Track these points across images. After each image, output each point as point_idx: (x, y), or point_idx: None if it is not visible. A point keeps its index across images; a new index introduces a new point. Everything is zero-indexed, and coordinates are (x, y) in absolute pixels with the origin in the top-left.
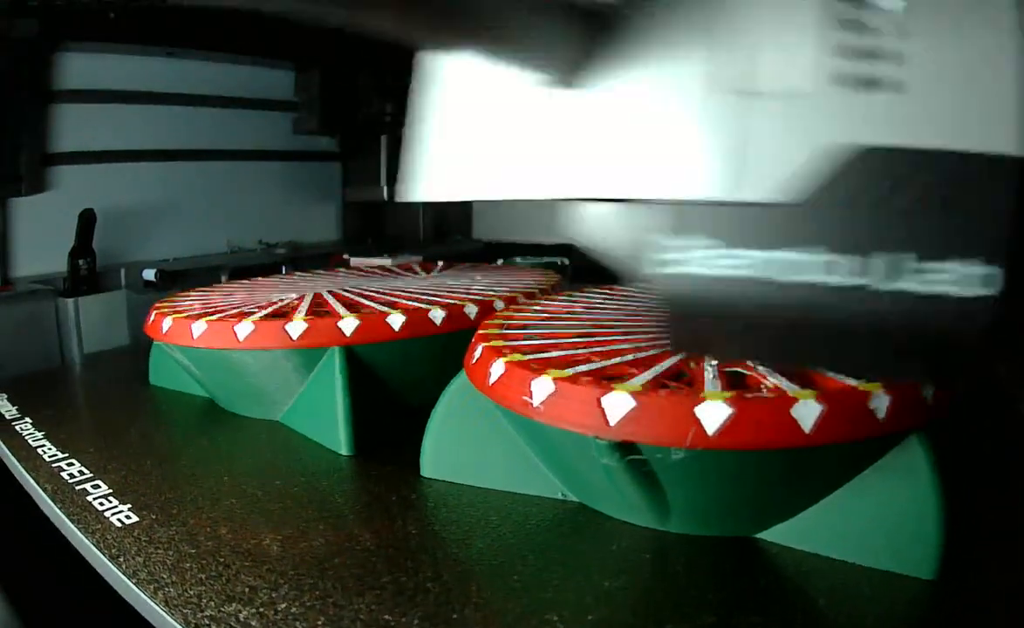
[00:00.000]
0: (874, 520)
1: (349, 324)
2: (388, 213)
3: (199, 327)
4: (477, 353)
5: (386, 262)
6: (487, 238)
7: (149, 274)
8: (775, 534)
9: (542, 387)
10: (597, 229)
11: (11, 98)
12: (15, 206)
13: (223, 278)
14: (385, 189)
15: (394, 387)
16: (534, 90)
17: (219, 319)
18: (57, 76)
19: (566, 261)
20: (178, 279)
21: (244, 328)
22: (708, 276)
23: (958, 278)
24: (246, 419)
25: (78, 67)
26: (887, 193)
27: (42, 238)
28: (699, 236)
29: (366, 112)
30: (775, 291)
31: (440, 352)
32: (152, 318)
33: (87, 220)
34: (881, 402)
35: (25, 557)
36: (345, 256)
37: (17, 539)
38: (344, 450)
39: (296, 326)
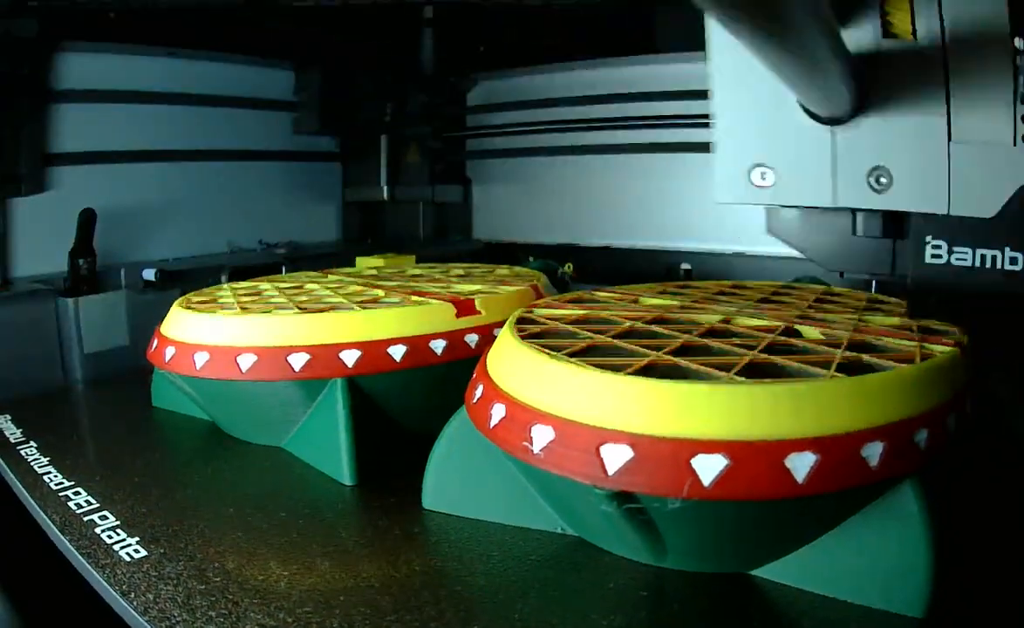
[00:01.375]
0: (866, 560)
1: (351, 355)
2: (388, 213)
3: (201, 357)
4: (478, 392)
5: (378, 263)
6: (487, 238)
7: (149, 274)
8: (769, 571)
9: (542, 434)
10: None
11: (11, 98)
12: (15, 206)
13: (223, 278)
14: (385, 189)
15: (397, 415)
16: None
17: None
18: (57, 76)
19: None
20: (178, 279)
21: (247, 359)
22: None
23: None
24: (249, 445)
25: (78, 67)
26: None
27: (42, 238)
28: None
29: (366, 112)
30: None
31: (442, 380)
32: (155, 345)
33: (87, 220)
34: (874, 450)
35: (27, 563)
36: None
37: (19, 545)
38: (347, 480)
39: (298, 357)
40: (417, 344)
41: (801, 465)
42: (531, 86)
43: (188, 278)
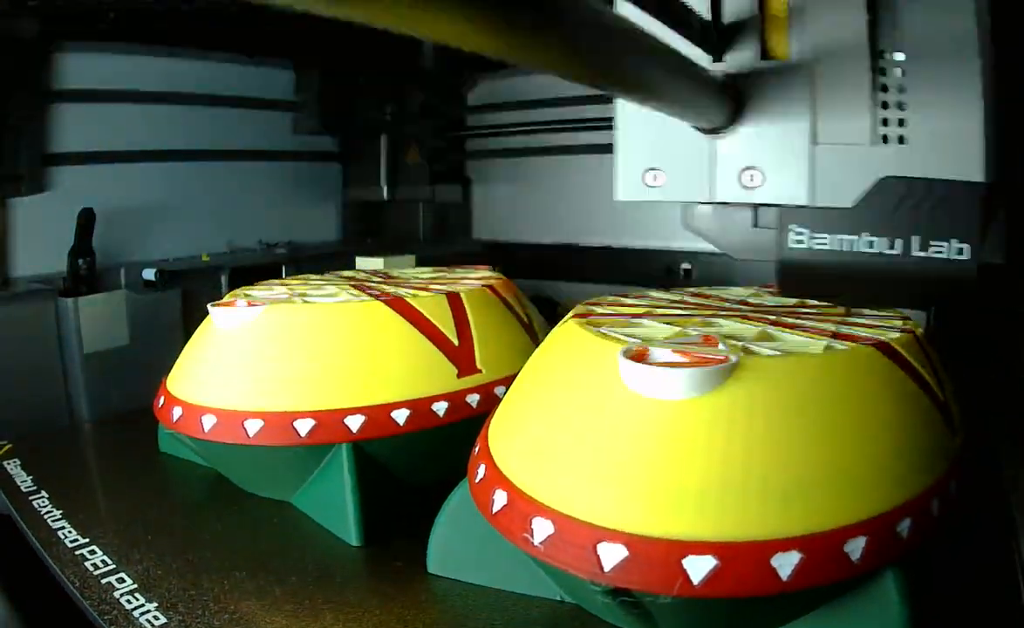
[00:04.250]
0: None
1: (355, 420)
2: (388, 213)
3: (209, 420)
4: (480, 473)
5: (378, 264)
6: (487, 238)
7: (149, 274)
8: None
9: (542, 527)
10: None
11: (11, 98)
12: (15, 206)
13: (223, 278)
14: (385, 189)
15: (401, 474)
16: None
17: None
18: (57, 76)
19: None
20: (178, 279)
21: (253, 424)
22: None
23: (946, 250)
24: (258, 499)
25: (78, 67)
26: (899, 203)
27: (42, 238)
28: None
29: (366, 112)
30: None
31: (445, 438)
32: (161, 402)
33: (87, 220)
34: (856, 545)
35: (27, 564)
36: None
37: (19, 546)
38: (354, 542)
39: (304, 423)
40: (419, 407)
41: (786, 563)
42: (531, 86)
43: (188, 278)
